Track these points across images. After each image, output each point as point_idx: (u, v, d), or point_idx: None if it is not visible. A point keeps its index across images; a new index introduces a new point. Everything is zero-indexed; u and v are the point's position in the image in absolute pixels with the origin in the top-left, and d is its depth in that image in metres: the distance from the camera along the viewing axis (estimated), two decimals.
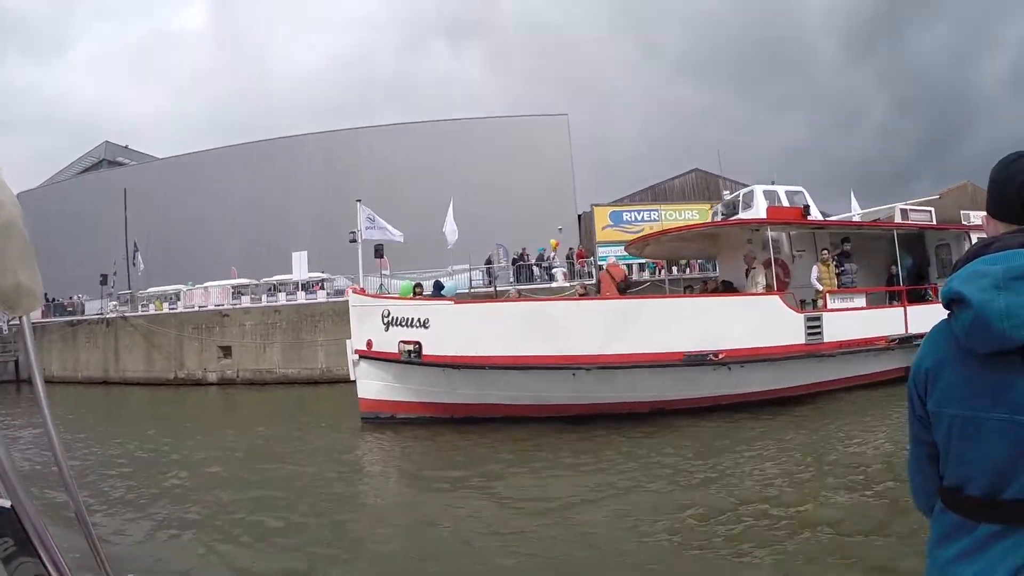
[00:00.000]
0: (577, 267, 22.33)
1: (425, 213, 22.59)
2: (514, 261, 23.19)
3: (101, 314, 27.23)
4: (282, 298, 24.34)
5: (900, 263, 14.88)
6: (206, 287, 25.87)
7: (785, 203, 12.50)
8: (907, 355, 11.60)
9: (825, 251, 11.99)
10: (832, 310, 11.21)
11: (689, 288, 15.04)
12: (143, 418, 16.99)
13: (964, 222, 14.20)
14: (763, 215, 12.17)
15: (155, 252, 31.90)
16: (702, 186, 29.95)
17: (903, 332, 11.69)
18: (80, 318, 28.15)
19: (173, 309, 26.00)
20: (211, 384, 23.58)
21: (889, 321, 11.75)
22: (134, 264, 30.50)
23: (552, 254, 22.90)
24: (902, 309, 11.93)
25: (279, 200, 31.99)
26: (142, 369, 25.18)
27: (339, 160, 31.55)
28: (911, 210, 13.70)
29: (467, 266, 22.76)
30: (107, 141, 42.98)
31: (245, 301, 24.98)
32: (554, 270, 22.45)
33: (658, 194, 29.85)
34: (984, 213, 1.38)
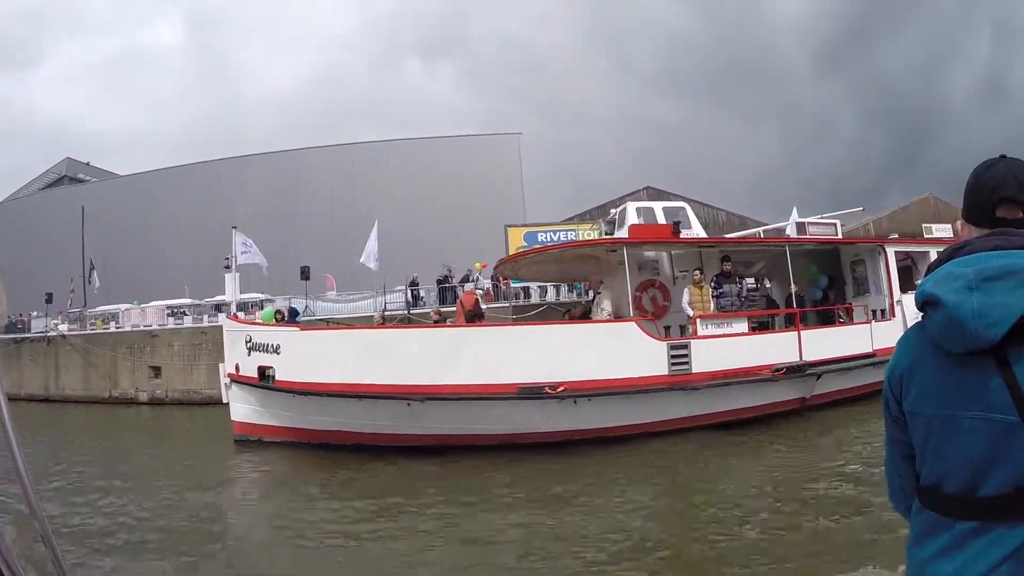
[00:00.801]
0: (503, 288, 21.38)
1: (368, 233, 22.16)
2: (438, 282, 22.36)
3: (44, 332, 26.93)
4: (215, 318, 23.88)
5: (813, 282, 13.95)
6: (142, 307, 25.54)
7: (660, 220, 11.57)
8: (805, 385, 10.76)
9: (697, 271, 10.93)
10: (703, 337, 10.22)
11: (568, 313, 14.10)
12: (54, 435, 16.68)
13: (927, 235, 13.99)
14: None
15: (113, 270, 31.53)
16: (654, 200, 28.80)
17: (796, 359, 10.72)
18: (23, 336, 27.79)
19: (119, 328, 25.69)
20: (142, 403, 23.35)
21: (778, 348, 10.72)
22: (90, 282, 30.18)
23: (478, 276, 22.01)
24: (795, 334, 10.96)
25: (230, 220, 31.52)
26: (80, 388, 24.94)
27: (287, 180, 31.13)
28: (810, 224, 12.70)
29: (403, 287, 22.24)
30: (68, 158, 42.86)
31: (187, 321, 24.61)
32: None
33: (606, 212, 28.73)
34: (958, 221, 1.43)
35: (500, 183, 29.27)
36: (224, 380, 11.21)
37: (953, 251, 1.30)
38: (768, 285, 15.95)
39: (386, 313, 17.13)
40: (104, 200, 34.61)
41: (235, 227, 13.56)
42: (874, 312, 12.27)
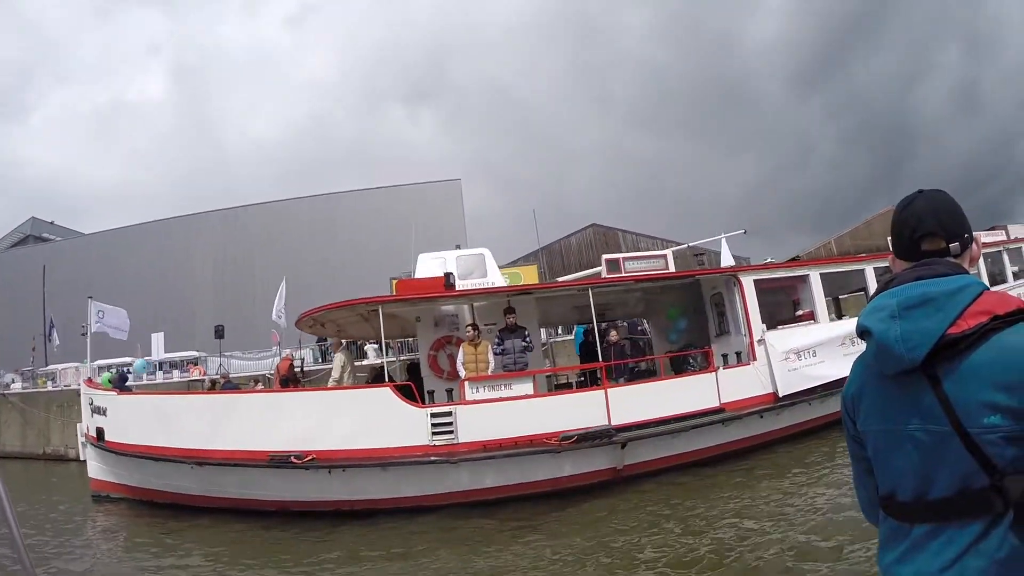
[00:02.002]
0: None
1: (315, 287, 22.08)
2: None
3: None
4: (143, 378, 24.03)
5: (673, 323, 12.76)
6: (76, 367, 25.81)
7: (452, 269, 10.46)
8: (615, 454, 9.30)
9: (471, 327, 9.66)
10: (471, 402, 8.96)
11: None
12: None
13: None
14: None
15: (75, 328, 31.91)
16: (600, 242, 27.89)
17: (604, 423, 9.19)
18: None
19: (54, 387, 26.11)
20: (72, 460, 23.23)
21: (583, 409, 9.24)
22: (50, 340, 30.63)
23: None
24: (602, 393, 9.56)
25: (184, 277, 31.70)
26: (18, 444, 25.48)
27: (236, 238, 31.02)
28: (628, 259, 11.11)
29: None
30: (33, 217, 43.98)
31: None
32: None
33: (553, 253, 27.90)
34: (890, 255, 1.54)
35: (443, 230, 28.58)
36: (81, 439, 11.85)
37: (884, 284, 1.44)
38: (648, 328, 14.62)
39: (228, 376, 17.14)
40: (67, 259, 35.20)
41: (91, 296, 14.59)
42: (737, 355, 10.71)
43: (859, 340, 1.44)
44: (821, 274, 11.21)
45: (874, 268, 11.47)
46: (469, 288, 10.27)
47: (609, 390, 9.50)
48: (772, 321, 11.10)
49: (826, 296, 11.72)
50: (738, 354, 10.74)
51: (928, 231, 1.40)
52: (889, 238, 1.52)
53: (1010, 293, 1.46)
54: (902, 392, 1.33)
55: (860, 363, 1.48)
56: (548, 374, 11.75)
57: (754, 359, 10.25)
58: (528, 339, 9.75)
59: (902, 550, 1.31)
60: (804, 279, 11.31)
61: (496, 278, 10.94)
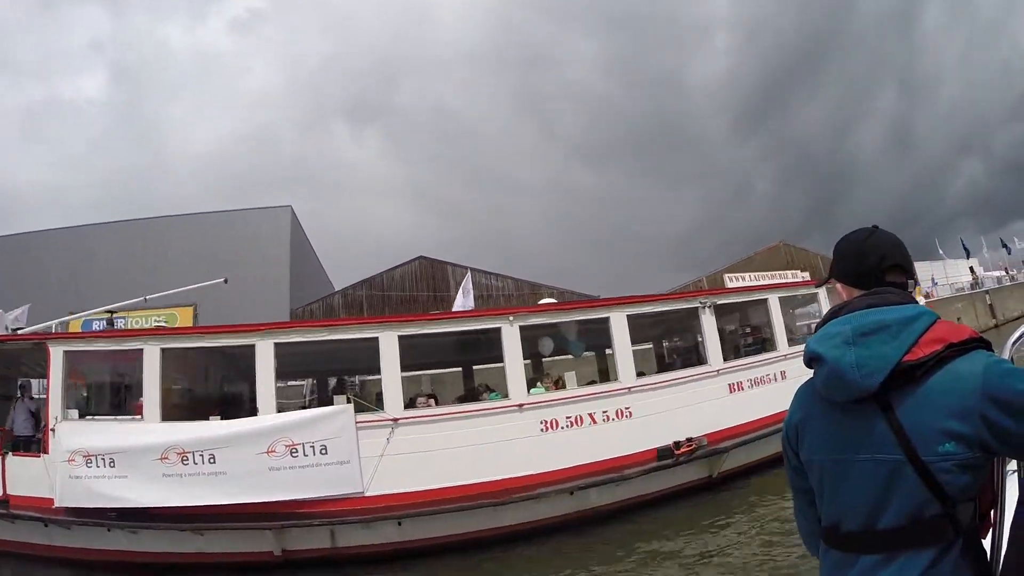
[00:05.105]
0: None
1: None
2: None
3: None
4: None
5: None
6: None
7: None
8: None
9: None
10: None
11: None
12: None
13: (728, 284, 11.87)
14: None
15: None
16: (427, 274, 27.49)
17: None
18: None
19: None
20: None
21: None
22: None
23: None
24: None
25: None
26: None
27: (64, 260, 27.54)
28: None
29: None
30: None
31: None
32: None
33: (375, 285, 27.17)
34: (838, 283, 1.52)
35: (267, 259, 27.05)
36: None
37: (834, 311, 1.41)
38: None
39: None
40: None
41: None
42: None
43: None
44: (521, 326, 8.30)
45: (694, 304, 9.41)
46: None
47: None
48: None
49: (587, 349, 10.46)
50: None
51: (896, 263, 1.42)
52: (834, 266, 1.51)
53: None
54: (851, 421, 1.29)
55: (805, 391, 1.45)
56: None
57: (46, 451, 7.36)
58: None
59: None
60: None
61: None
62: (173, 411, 7.80)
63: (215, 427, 7.32)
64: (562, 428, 7.91)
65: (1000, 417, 1.17)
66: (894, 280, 1.41)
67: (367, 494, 7.15)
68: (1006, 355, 1.49)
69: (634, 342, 14.43)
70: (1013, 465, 1.41)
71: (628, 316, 8.81)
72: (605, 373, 13.09)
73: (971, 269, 36.37)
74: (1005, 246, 41.52)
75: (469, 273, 16.10)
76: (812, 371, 1.39)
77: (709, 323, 9.32)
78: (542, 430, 7.84)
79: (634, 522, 7.66)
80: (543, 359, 10.49)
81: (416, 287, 26.70)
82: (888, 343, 1.26)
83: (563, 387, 8.46)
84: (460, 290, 14.37)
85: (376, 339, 7.85)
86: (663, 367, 11.30)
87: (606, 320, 8.75)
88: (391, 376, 7.76)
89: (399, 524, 7.18)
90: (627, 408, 8.21)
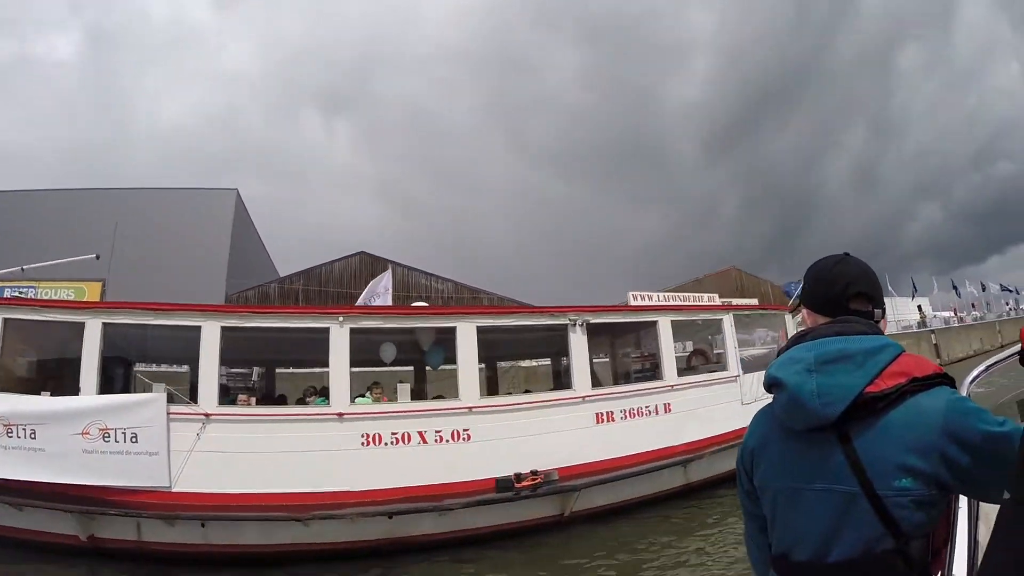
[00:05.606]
0: None
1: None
2: None
3: None
4: None
5: None
6: None
7: None
8: None
9: None
10: None
11: None
12: None
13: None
14: None
15: None
16: (367, 270, 26.23)
17: None
18: None
19: None
20: None
21: None
22: None
23: None
24: None
25: None
26: None
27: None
28: None
29: None
30: None
31: None
32: None
33: (311, 278, 26.31)
34: (804, 310, 1.48)
35: (206, 242, 26.08)
36: None
37: (799, 337, 1.38)
38: None
39: None
40: None
41: None
42: None
43: None
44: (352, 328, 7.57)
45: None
46: None
47: None
48: None
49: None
50: None
51: (861, 291, 1.40)
52: (803, 290, 1.50)
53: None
54: (809, 449, 1.26)
55: (763, 415, 1.42)
56: None
57: None
58: None
59: None
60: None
61: None
62: (11, 383, 7.42)
63: (37, 402, 7.00)
64: (386, 444, 7.20)
65: (959, 455, 1.16)
66: (858, 308, 1.39)
67: (173, 489, 6.70)
68: (964, 392, 1.49)
69: (516, 358, 13.71)
70: (964, 503, 1.40)
71: (479, 328, 8.01)
72: (494, 385, 12.53)
73: (919, 308, 36.62)
74: (955, 288, 42.05)
75: (389, 270, 15.34)
76: (772, 396, 1.36)
77: (579, 343, 8.53)
78: (362, 444, 7.13)
79: (459, 558, 6.92)
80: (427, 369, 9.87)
81: (354, 283, 25.76)
82: (851, 373, 1.23)
83: (394, 400, 7.78)
84: (368, 288, 13.70)
85: (199, 328, 7.25)
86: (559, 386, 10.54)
87: (453, 331, 7.93)
88: (208, 368, 7.18)
89: (203, 526, 6.66)
90: (465, 430, 7.45)
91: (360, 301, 12.73)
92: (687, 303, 10.55)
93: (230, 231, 27.15)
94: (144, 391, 7.44)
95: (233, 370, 12.50)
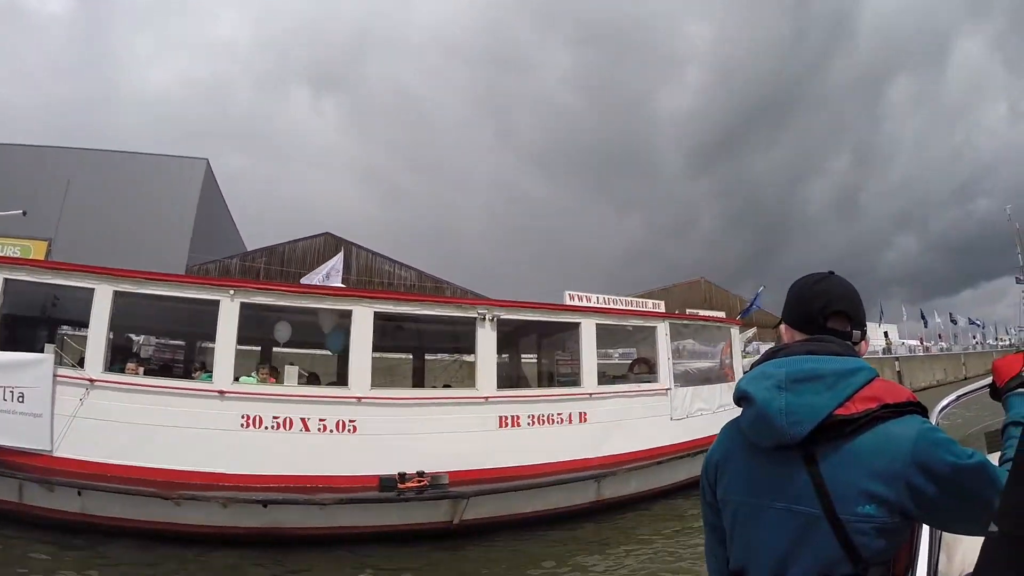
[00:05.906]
0: None
1: None
2: None
3: None
4: None
5: None
6: None
7: None
8: None
9: None
10: None
11: None
12: None
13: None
14: None
15: None
16: (331, 251, 25.81)
17: None
18: None
19: None
20: None
21: None
22: None
23: None
24: None
25: None
26: None
27: None
28: None
29: None
30: None
31: None
32: None
33: (275, 256, 25.76)
34: (782, 325, 1.46)
35: (169, 211, 25.62)
36: None
37: (773, 352, 1.35)
38: None
39: None
40: None
41: None
42: None
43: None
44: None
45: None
46: None
47: None
48: None
49: None
50: None
51: (839, 309, 1.36)
52: (784, 305, 1.46)
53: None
54: (773, 467, 1.24)
55: (730, 428, 1.40)
56: None
57: None
58: None
59: None
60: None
61: None
62: None
63: None
64: (266, 428, 6.95)
65: (926, 485, 1.13)
66: (835, 327, 1.35)
67: (55, 454, 6.53)
68: (933, 421, 1.47)
69: (453, 352, 13.26)
70: (927, 531, 1.40)
71: (376, 313, 7.66)
72: (420, 376, 12.27)
73: (886, 334, 36.79)
74: (924, 318, 42.35)
75: (341, 253, 15.05)
76: (740, 409, 1.33)
77: (486, 339, 8.18)
78: (242, 425, 6.89)
79: (335, 556, 6.61)
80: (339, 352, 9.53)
81: (316, 263, 25.40)
82: (821, 394, 1.20)
83: (280, 382, 7.56)
84: (318, 269, 13.43)
85: (92, 291, 7.01)
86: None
87: (349, 314, 7.57)
88: (97, 333, 6.95)
89: (79, 494, 6.44)
90: (351, 421, 7.16)
91: (305, 281, 12.46)
92: (616, 307, 10.25)
93: (196, 201, 26.66)
94: (73, 356, 7.27)
95: (172, 342, 12.18)
